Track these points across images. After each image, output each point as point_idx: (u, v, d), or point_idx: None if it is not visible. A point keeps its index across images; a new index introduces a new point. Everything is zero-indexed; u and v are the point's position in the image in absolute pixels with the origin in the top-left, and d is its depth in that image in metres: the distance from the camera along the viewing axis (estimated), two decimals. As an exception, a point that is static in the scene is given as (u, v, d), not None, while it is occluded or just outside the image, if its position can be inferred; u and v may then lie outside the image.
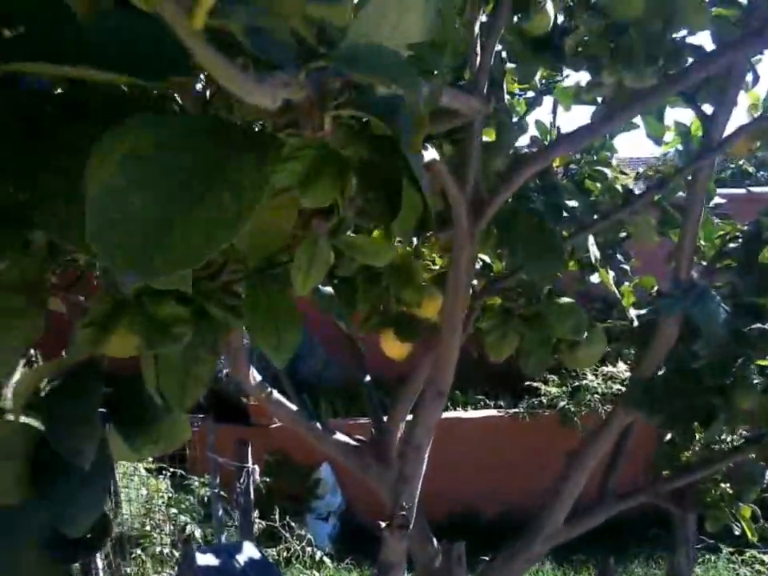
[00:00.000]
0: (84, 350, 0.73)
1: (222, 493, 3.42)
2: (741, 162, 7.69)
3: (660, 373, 1.40)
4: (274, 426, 4.38)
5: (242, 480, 2.40)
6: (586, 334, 1.11)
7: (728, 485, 1.81)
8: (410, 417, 1.42)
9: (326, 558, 3.70)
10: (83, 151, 0.40)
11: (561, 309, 1.08)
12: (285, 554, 3.71)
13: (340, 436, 1.58)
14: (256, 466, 2.48)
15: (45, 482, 0.68)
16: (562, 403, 4.14)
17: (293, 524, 3.76)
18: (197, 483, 3.77)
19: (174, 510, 3.54)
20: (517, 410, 4.30)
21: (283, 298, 0.70)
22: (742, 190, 4.28)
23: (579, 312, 1.09)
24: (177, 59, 0.41)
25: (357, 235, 0.67)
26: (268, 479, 3.87)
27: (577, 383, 4.19)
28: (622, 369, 4.12)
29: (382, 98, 0.45)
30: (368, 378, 1.78)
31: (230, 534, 3.25)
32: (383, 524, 1.12)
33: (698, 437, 1.82)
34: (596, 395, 4.17)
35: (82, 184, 0.39)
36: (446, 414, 3.96)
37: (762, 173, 8.36)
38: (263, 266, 0.69)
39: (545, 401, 4.23)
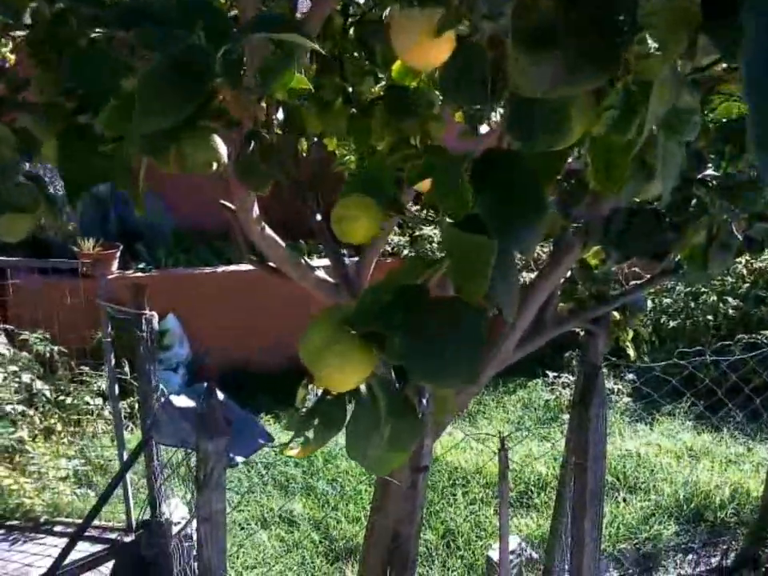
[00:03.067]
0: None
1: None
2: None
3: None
4: (111, 276, 4.08)
5: (143, 328, 2.26)
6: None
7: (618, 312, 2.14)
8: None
9: (179, 406, 3.69)
10: None
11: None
12: (137, 406, 3.62)
13: (321, 273, 1.58)
14: (155, 313, 2.34)
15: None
16: (405, 251, 4.37)
17: (143, 376, 3.66)
18: (33, 339, 3.46)
19: (13, 368, 3.24)
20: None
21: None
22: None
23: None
24: None
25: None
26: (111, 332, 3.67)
27: (417, 233, 4.43)
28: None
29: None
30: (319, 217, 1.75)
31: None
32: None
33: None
34: (433, 244, 4.46)
35: None
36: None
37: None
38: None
39: (388, 249, 4.43)
